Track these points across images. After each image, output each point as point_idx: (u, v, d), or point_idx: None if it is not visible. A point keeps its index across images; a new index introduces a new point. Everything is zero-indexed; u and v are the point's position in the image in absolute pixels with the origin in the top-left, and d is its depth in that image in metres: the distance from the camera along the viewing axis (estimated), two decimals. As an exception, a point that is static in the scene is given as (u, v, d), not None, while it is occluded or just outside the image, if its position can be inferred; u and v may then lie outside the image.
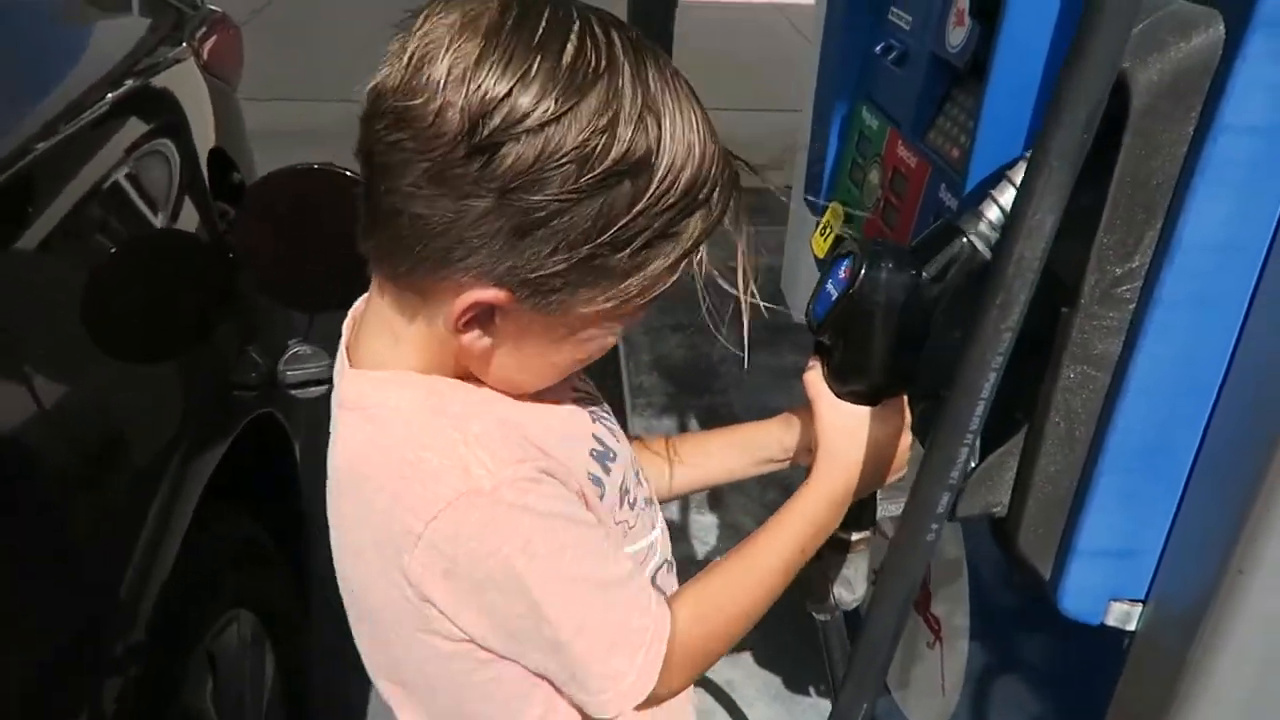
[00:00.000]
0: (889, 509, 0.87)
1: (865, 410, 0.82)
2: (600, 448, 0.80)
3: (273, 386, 1.21)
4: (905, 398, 0.83)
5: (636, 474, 0.85)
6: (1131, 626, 0.87)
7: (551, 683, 0.74)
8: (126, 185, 1.15)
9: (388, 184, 0.62)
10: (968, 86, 1.10)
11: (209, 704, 1.19)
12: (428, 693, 0.75)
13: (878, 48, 1.30)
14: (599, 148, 0.60)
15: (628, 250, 0.64)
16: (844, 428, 0.82)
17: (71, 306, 0.97)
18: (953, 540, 1.28)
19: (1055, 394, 0.79)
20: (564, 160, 0.60)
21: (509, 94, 0.59)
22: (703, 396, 2.65)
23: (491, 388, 0.72)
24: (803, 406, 0.87)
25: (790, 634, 1.80)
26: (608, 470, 0.80)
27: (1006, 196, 0.75)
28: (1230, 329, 0.75)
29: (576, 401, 0.81)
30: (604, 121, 0.60)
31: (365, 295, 0.76)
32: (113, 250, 1.07)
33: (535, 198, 0.60)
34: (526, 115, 0.59)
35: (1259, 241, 0.73)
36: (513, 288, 0.64)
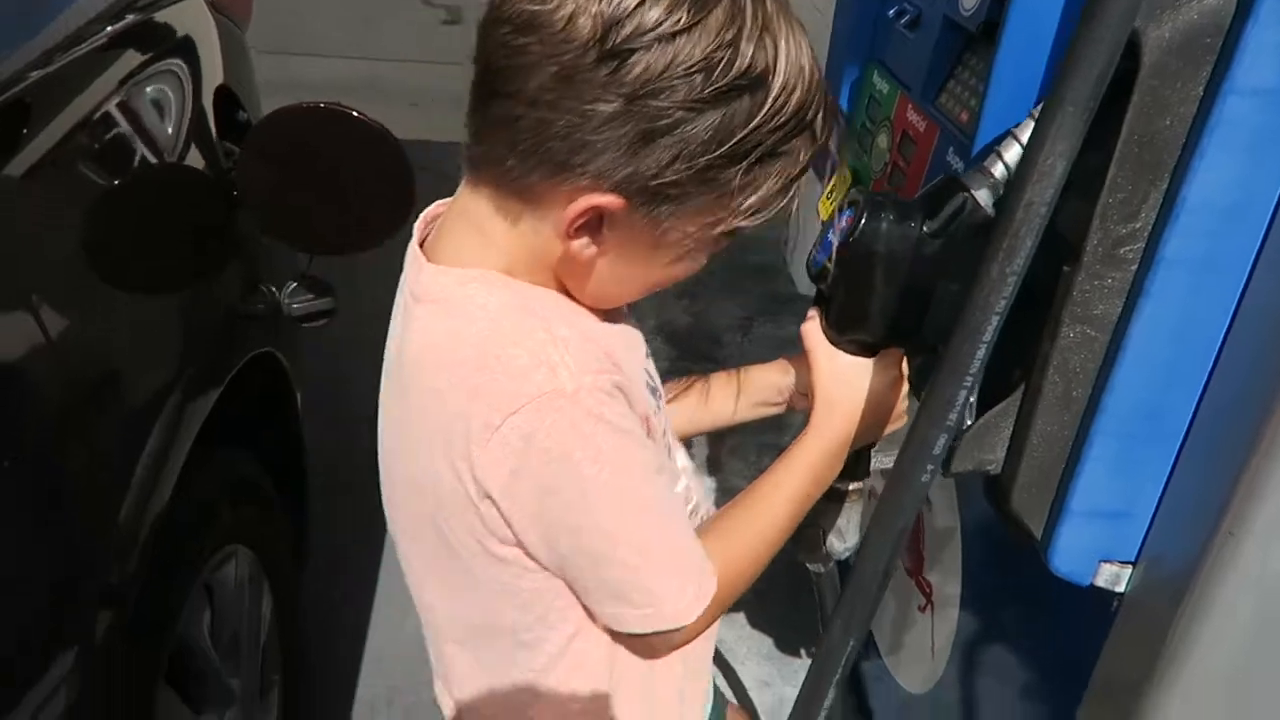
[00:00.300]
0: (883, 461, 0.88)
1: (862, 360, 0.83)
2: (652, 382, 0.81)
3: (277, 319, 1.22)
4: (902, 351, 0.84)
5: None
6: (1121, 588, 0.87)
7: (588, 608, 0.75)
8: (125, 116, 1.14)
9: (510, 88, 0.64)
10: (979, 50, 1.09)
11: (205, 635, 1.21)
12: (468, 592, 0.76)
13: (891, 11, 1.29)
14: (724, 61, 0.62)
15: (742, 165, 0.66)
16: (840, 377, 0.83)
17: (72, 234, 0.97)
18: (947, 510, 1.29)
19: (1054, 353, 0.79)
20: (691, 70, 0.62)
21: (640, 4, 0.61)
22: (704, 363, 2.66)
23: (578, 301, 0.73)
24: (799, 355, 0.88)
25: (782, 599, 1.82)
26: (659, 408, 0.81)
27: (1011, 153, 0.75)
28: (1231, 293, 0.76)
29: (634, 328, 0.82)
30: (729, 36, 0.62)
31: (444, 200, 0.77)
32: (114, 180, 1.06)
33: (662, 105, 0.62)
34: (658, 24, 0.61)
35: (1264, 205, 0.72)
36: (628, 195, 0.66)
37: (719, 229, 0.71)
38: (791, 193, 0.70)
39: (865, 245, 0.75)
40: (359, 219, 1.08)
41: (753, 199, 0.69)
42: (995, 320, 0.61)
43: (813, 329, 0.84)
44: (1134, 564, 0.86)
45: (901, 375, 0.85)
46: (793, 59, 0.66)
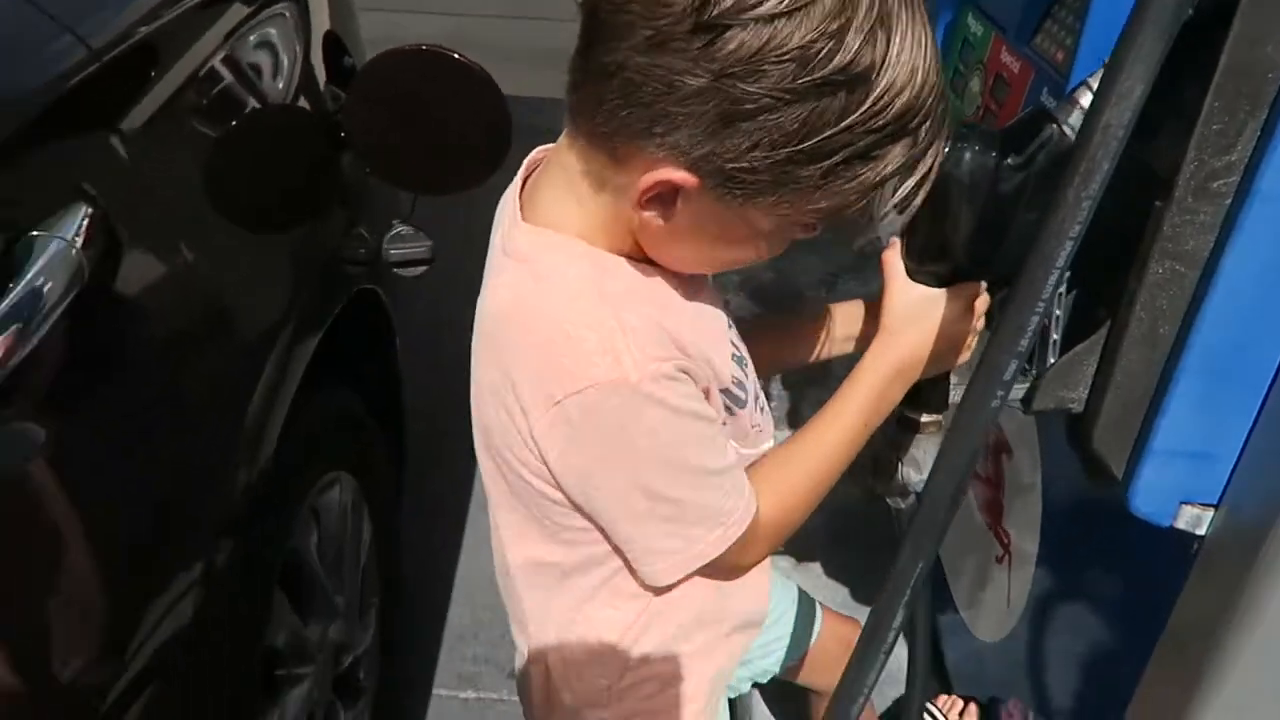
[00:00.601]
0: (960, 395, 0.89)
1: (935, 292, 0.83)
2: (738, 352, 0.83)
3: (377, 263, 1.28)
4: (982, 284, 0.84)
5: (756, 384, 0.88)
6: (1201, 531, 0.87)
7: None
8: (242, 61, 1.20)
9: (607, 43, 0.62)
10: (1078, -12, 1.07)
11: (314, 553, 1.29)
12: (530, 525, 0.81)
13: (989, -49, 1.27)
14: (824, 52, 0.59)
15: (825, 163, 0.63)
16: (911, 309, 0.83)
17: (193, 175, 1.03)
18: (1030, 465, 1.28)
19: (1141, 290, 0.79)
20: (786, 57, 0.59)
21: None
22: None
23: (656, 264, 0.74)
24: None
25: (858, 550, 1.84)
26: (746, 375, 0.84)
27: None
28: (1329, 230, 0.74)
29: (714, 303, 0.83)
30: (835, 26, 0.59)
31: (547, 146, 0.77)
32: (231, 123, 1.13)
33: (749, 88, 0.60)
34: (760, 2, 0.58)
35: (1367, 137, 0.71)
36: (702, 174, 0.64)
37: (792, 224, 0.68)
38: (869, 200, 0.66)
39: (947, 173, 0.76)
40: (459, 158, 1.12)
41: (828, 202, 0.66)
42: (1069, 246, 0.61)
43: (892, 256, 0.84)
44: (1216, 507, 0.86)
45: (973, 308, 0.84)
46: (905, 59, 0.61)
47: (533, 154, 0.80)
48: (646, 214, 0.68)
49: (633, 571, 0.82)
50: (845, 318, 0.98)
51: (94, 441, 0.84)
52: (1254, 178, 0.72)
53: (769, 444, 0.89)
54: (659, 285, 0.75)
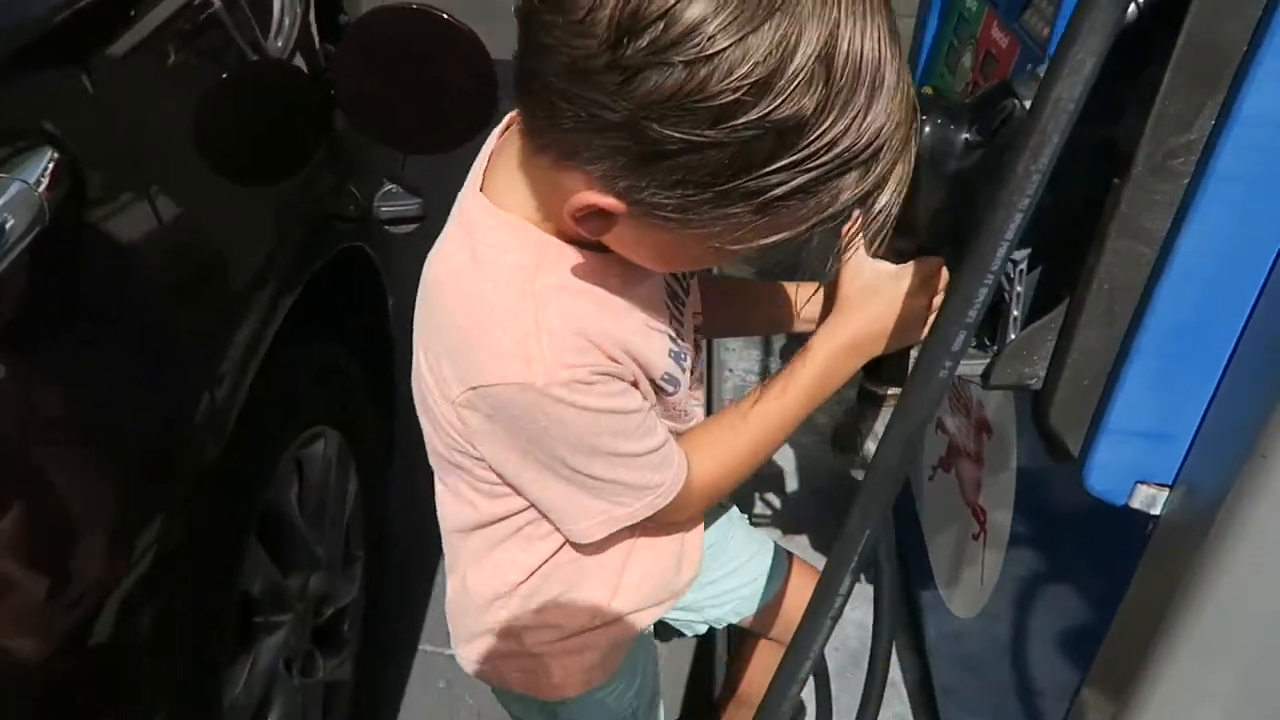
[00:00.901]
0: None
1: (893, 268, 0.83)
2: (675, 347, 0.83)
3: (367, 221, 1.29)
4: (941, 260, 0.84)
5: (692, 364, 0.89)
6: (1156, 511, 0.87)
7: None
8: (230, 8, 1.21)
9: (534, 60, 0.59)
10: (1068, -36, 1.06)
11: (294, 503, 1.31)
12: (452, 467, 0.84)
13: (986, -76, 1.26)
14: (744, 101, 0.54)
15: (758, 200, 0.59)
16: (867, 285, 0.83)
17: (180, 125, 1.04)
18: (1008, 444, 1.29)
19: (1099, 267, 0.78)
20: (702, 103, 0.54)
21: (666, 14, 0.53)
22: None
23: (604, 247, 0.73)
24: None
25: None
26: (682, 369, 0.84)
27: (1065, 57, 0.74)
28: (1285, 211, 0.73)
29: (659, 291, 0.82)
30: (761, 74, 0.53)
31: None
32: (220, 73, 1.14)
33: (665, 131, 0.56)
34: (675, 45, 0.53)
35: (1326, 119, 0.70)
36: (629, 203, 0.62)
37: (735, 245, 0.64)
38: (822, 233, 0.63)
39: None
40: (445, 117, 1.13)
41: (765, 237, 0.62)
42: (1019, 218, 0.61)
43: (851, 231, 0.84)
44: (1171, 487, 0.86)
45: (932, 285, 0.84)
46: (852, 99, 0.56)
47: (513, 112, 0.78)
48: (582, 229, 0.67)
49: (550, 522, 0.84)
50: (804, 295, 0.99)
51: (53, 382, 0.86)
52: (1211, 157, 0.72)
53: (695, 421, 0.90)
54: (599, 277, 0.73)
